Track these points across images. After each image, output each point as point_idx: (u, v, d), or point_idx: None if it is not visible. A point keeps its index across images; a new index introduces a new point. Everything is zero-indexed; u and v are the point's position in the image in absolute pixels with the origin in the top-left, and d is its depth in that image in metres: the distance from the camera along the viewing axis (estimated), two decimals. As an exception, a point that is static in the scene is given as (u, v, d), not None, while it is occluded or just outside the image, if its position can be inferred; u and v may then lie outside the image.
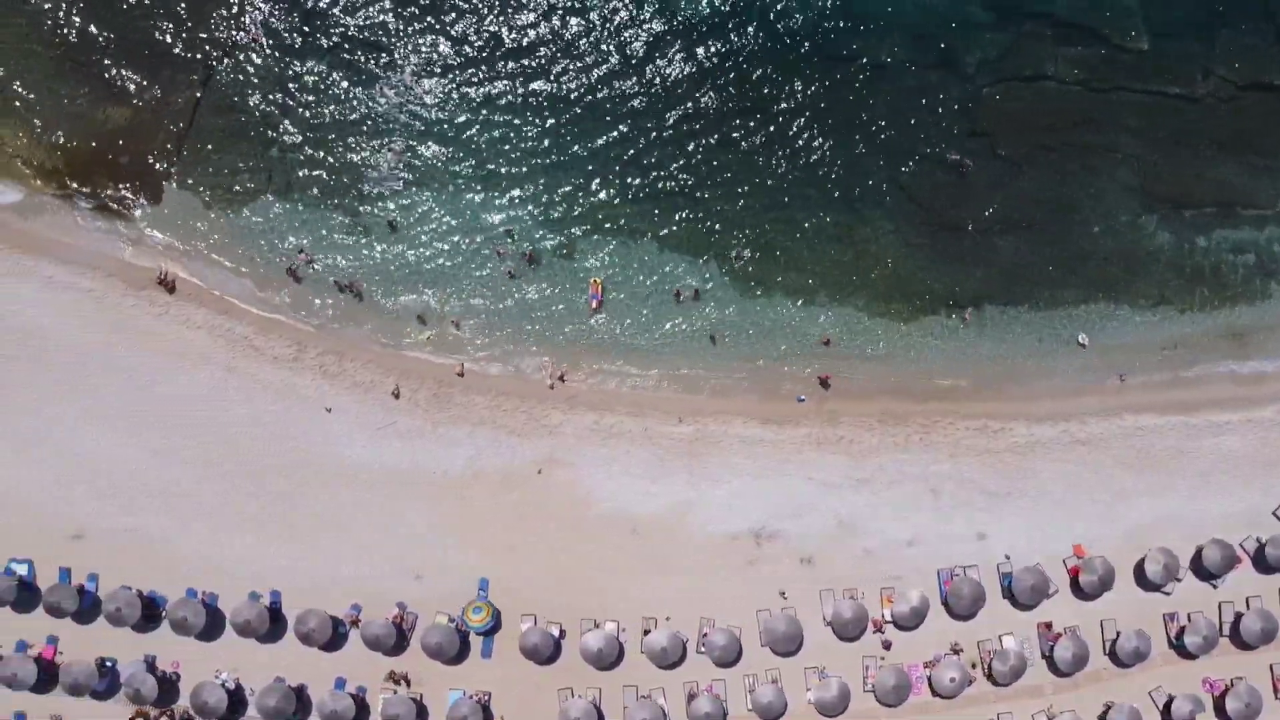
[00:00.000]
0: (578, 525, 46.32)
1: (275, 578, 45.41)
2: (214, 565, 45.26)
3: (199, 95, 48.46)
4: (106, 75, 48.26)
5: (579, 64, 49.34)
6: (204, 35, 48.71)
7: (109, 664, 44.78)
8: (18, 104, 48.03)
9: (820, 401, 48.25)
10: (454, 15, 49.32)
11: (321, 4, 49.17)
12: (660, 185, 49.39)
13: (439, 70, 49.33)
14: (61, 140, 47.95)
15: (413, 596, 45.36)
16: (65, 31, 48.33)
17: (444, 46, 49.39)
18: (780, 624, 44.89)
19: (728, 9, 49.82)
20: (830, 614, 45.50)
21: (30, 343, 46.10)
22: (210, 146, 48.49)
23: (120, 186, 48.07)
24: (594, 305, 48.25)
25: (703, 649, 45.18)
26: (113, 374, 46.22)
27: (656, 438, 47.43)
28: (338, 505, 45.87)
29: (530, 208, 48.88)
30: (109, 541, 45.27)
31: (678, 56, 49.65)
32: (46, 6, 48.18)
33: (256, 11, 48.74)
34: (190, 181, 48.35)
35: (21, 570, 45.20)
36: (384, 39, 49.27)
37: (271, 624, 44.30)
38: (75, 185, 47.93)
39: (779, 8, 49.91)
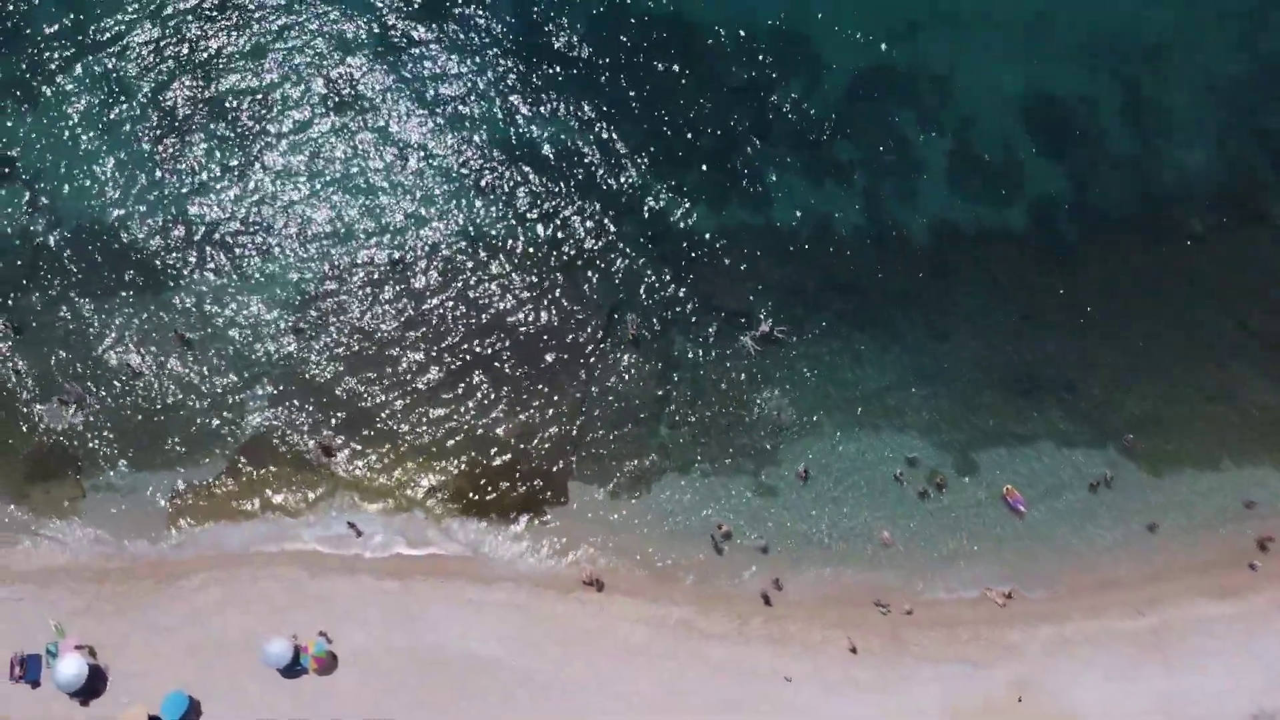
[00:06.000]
0: (1073, 746, 43.93)
1: None
2: None
3: (583, 393, 49.63)
4: (493, 392, 49.55)
5: (933, 290, 52.10)
6: (582, 337, 50.50)
7: None
8: (411, 438, 48.91)
9: (1272, 559, 47.24)
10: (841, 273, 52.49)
11: (697, 284, 51.70)
12: (1032, 381, 50.60)
13: (816, 324, 51.69)
14: (461, 463, 48.54)
15: None
16: (438, 363, 50.05)
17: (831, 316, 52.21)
18: (1330, 810, 41.81)
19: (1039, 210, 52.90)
20: (1369, 789, 42.50)
21: (475, 672, 44.74)
22: (602, 438, 49.32)
23: (526, 495, 48.34)
24: (1020, 511, 47.94)
25: None
26: (563, 683, 44.68)
27: (1119, 636, 46.09)
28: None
29: (924, 432, 49.60)
30: None
31: (1028, 255, 52.97)
32: (419, 343, 50.18)
33: (634, 314, 51.09)
34: (591, 475, 48.80)
35: None
36: (754, 303, 51.64)
37: None
38: (482, 504, 48.06)
39: (1090, 196, 53.13)
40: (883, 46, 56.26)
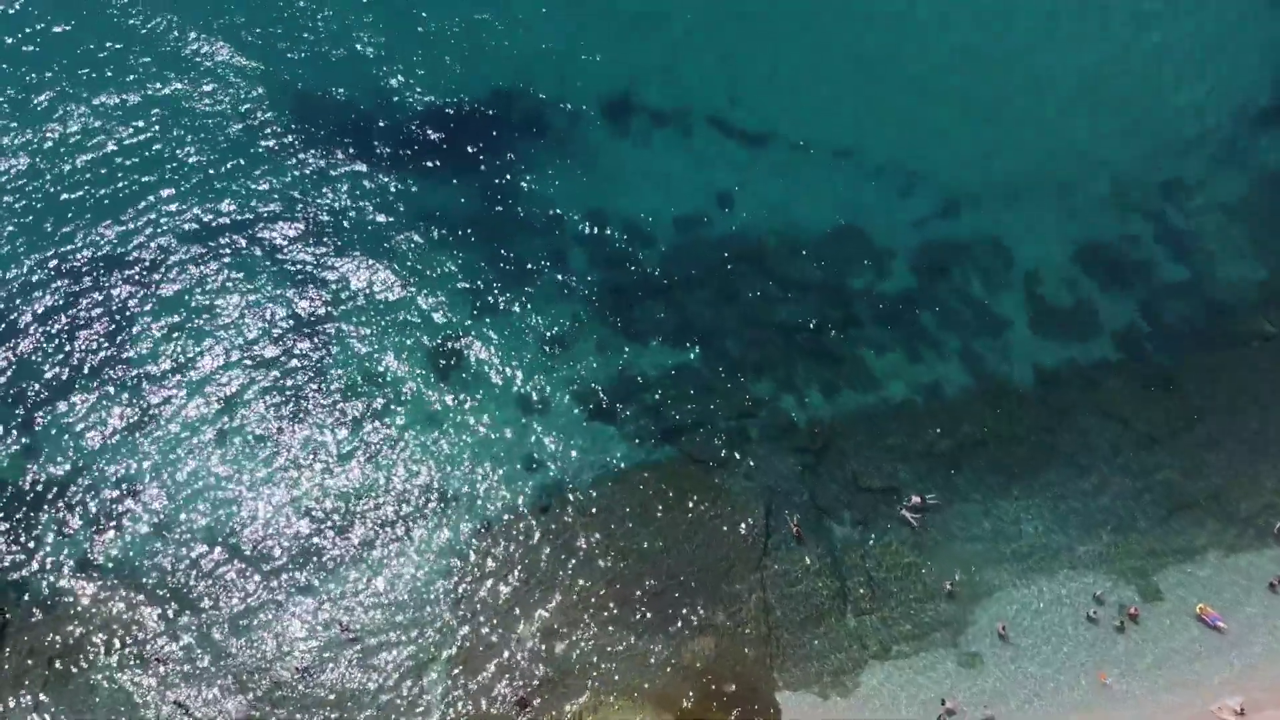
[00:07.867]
0: None
1: None
2: None
3: (763, 601, 49.46)
4: (675, 621, 48.95)
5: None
6: (746, 546, 50.92)
7: None
8: (604, 683, 47.39)
9: None
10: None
11: (839, 470, 53.07)
12: (1179, 498, 53.16)
13: (962, 484, 53.50)
14: (663, 699, 46.99)
15: None
16: (612, 601, 49.56)
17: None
18: None
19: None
20: None
21: None
22: (795, 641, 48.82)
23: (737, 716, 46.74)
24: (1220, 628, 48.48)
25: None
26: None
27: (1360, 732, 45.65)
28: None
29: (1096, 567, 50.85)
30: None
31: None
32: (586, 584, 49.84)
33: (789, 511, 52.12)
34: (796, 681, 47.84)
35: None
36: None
37: None
38: (697, 733, 46.35)
39: (1163, 320, 57.81)
40: (934, 224, 61.59)
